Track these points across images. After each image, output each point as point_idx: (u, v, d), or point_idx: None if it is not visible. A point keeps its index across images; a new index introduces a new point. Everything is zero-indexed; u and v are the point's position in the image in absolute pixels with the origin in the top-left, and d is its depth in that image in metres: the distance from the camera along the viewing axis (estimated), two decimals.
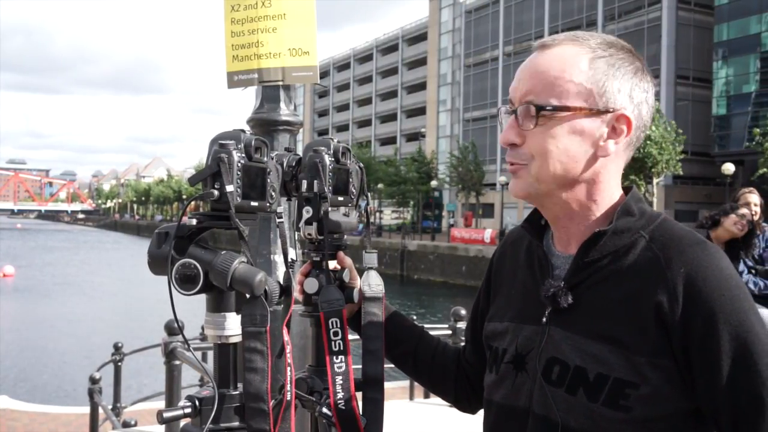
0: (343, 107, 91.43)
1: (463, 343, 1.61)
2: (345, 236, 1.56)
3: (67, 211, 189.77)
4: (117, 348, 6.55)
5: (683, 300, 1.12)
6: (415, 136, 72.69)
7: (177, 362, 4.51)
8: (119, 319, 23.07)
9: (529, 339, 1.27)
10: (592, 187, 1.24)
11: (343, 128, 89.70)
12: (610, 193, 1.26)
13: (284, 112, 2.65)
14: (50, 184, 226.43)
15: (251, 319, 1.28)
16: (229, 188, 1.24)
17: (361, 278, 1.54)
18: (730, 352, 1.10)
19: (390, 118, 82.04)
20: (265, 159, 1.34)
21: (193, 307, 1.72)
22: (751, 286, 4.93)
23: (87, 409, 6.38)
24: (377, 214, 60.83)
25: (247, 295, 1.28)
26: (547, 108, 1.19)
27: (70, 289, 32.45)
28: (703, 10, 45.21)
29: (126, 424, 5.97)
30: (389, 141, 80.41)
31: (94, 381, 6.00)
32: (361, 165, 1.58)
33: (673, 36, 45.05)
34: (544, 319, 1.25)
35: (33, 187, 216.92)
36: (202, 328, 2.61)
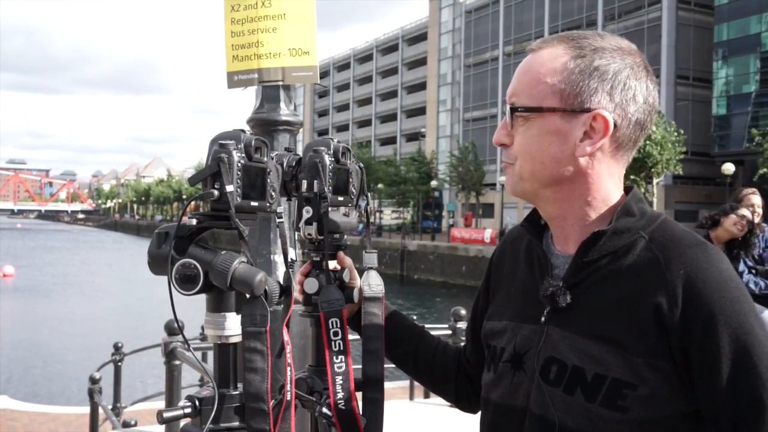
0: (343, 107, 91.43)
1: (463, 343, 1.61)
2: (345, 236, 1.56)
3: (67, 211, 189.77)
4: (117, 348, 6.55)
5: (682, 302, 1.12)
6: (415, 136, 72.69)
7: (177, 362, 4.51)
8: (119, 319, 23.07)
9: (527, 338, 1.27)
10: (581, 187, 1.23)
11: (343, 128, 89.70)
12: (605, 194, 1.25)
13: (284, 112, 2.65)
14: (50, 184, 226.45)
15: (251, 319, 1.28)
16: (229, 188, 1.24)
17: (361, 278, 1.54)
18: (730, 354, 1.10)
19: (390, 118, 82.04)
20: (265, 159, 1.34)
21: (193, 307, 1.72)
22: (752, 286, 4.93)
23: (87, 409, 6.38)
24: (377, 214, 60.84)
25: (247, 295, 1.28)
26: (519, 109, 1.22)
27: (70, 289, 32.46)
28: (703, 10, 45.22)
29: (126, 424, 5.97)
30: (389, 141, 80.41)
31: (94, 381, 6.00)
32: (361, 165, 1.58)
33: (673, 36, 45.06)
34: (543, 319, 1.25)
35: (33, 187, 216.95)
36: (202, 328, 2.62)
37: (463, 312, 6.16)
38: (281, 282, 1.37)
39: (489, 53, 60.76)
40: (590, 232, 1.22)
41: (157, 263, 1.28)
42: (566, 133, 1.21)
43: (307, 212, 1.45)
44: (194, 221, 1.27)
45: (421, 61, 76.07)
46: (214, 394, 1.30)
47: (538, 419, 1.20)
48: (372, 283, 1.52)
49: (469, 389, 1.55)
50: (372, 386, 1.46)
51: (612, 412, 1.13)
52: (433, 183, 53.78)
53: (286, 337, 1.35)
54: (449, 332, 6.06)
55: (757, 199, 5.35)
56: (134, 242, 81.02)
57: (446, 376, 1.57)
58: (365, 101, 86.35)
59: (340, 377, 1.43)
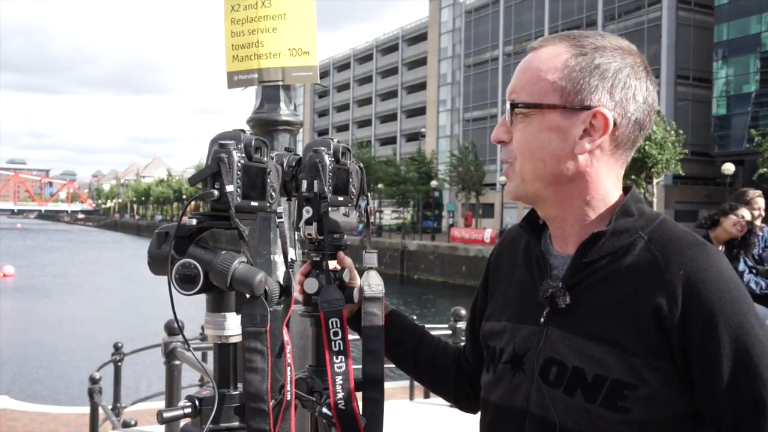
0: (343, 107, 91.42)
1: (463, 343, 1.61)
2: (345, 236, 1.56)
3: (67, 211, 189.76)
4: (117, 348, 6.55)
5: (682, 302, 1.11)
6: (415, 136, 72.68)
7: (177, 362, 4.51)
8: (119, 319, 23.07)
9: (526, 339, 1.27)
10: (581, 185, 1.23)
11: (343, 128, 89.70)
12: (604, 193, 1.25)
13: (284, 112, 2.65)
14: (50, 184, 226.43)
15: (251, 319, 1.28)
16: (229, 188, 1.24)
17: (361, 278, 1.54)
18: (731, 354, 1.10)
19: (390, 118, 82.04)
20: (265, 159, 1.34)
21: (193, 307, 1.72)
22: (753, 285, 4.93)
23: (87, 409, 6.38)
24: (377, 214, 60.82)
25: (247, 295, 1.28)
26: (520, 105, 1.22)
27: (71, 289, 32.46)
28: (703, 10, 45.21)
29: (126, 424, 5.97)
30: (389, 141, 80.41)
31: (94, 381, 6.00)
32: (361, 165, 1.58)
33: (673, 36, 45.05)
34: (542, 320, 1.24)
35: (33, 187, 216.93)
36: (202, 328, 2.62)
37: (463, 312, 6.16)
38: (281, 282, 1.37)
39: (489, 53, 60.75)
40: (589, 232, 1.22)
41: (157, 263, 1.28)
42: (566, 131, 1.21)
43: (307, 212, 1.45)
44: (194, 221, 1.27)
45: (421, 61, 76.06)
46: (214, 394, 1.30)
47: (539, 420, 1.20)
48: (372, 283, 1.52)
49: (468, 389, 1.55)
50: (372, 386, 1.46)
51: (612, 413, 1.13)
52: (433, 183, 53.77)
53: (286, 337, 1.35)
54: (449, 332, 6.06)
55: (762, 202, 5.35)
56: (134, 242, 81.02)
57: (446, 376, 1.57)
58: (365, 101, 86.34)
59: (340, 377, 1.43)
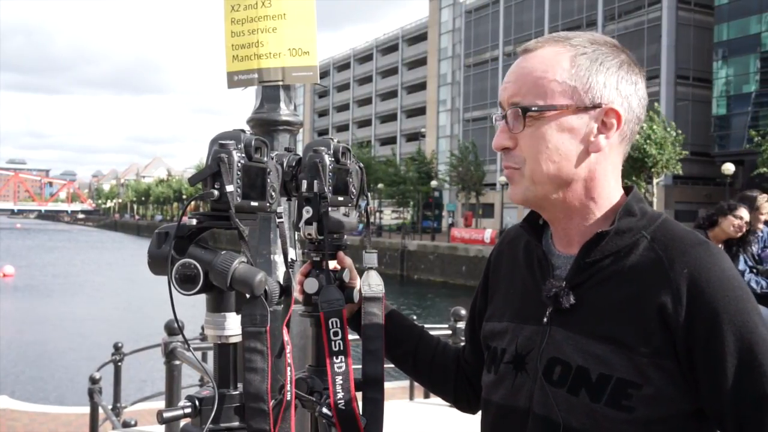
0: (343, 107, 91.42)
1: (462, 343, 1.61)
2: (345, 236, 1.56)
3: (67, 211, 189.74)
4: (117, 348, 6.55)
5: (687, 301, 1.12)
6: (415, 136, 72.70)
7: (177, 362, 4.51)
8: (119, 319, 23.07)
9: (529, 339, 1.27)
10: (589, 184, 1.24)
11: (343, 128, 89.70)
12: (608, 192, 1.25)
13: (284, 112, 2.65)
14: (50, 184, 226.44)
15: (251, 319, 1.28)
16: (229, 188, 1.24)
17: (361, 278, 1.54)
18: (735, 352, 1.10)
19: (390, 118, 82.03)
20: (265, 159, 1.34)
21: (193, 307, 1.72)
22: (753, 285, 4.93)
23: (87, 409, 6.38)
24: (377, 214, 60.81)
25: (247, 295, 1.28)
26: (533, 108, 1.20)
27: (70, 289, 32.46)
28: (703, 10, 45.21)
29: (126, 424, 5.97)
30: (389, 141, 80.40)
31: (94, 381, 6.00)
32: (361, 165, 1.58)
33: (673, 36, 45.05)
34: (545, 320, 1.25)
35: (33, 187, 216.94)
36: (202, 328, 2.62)
37: (463, 312, 6.16)
38: (281, 282, 1.37)
39: (489, 53, 60.76)
40: (593, 232, 1.22)
41: (157, 263, 1.28)
42: (578, 130, 1.21)
43: (307, 212, 1.45)
44: (194, 221, 1.27)
45: (421, 61, 76.05)
46: (214, 394, 1.30)
47: (542, 420, 1.20)
48: (372, 283, 1.52)
49: (468, 390, 1.55)
50: (372, 386, 1.46)
51: (617, 412, 1.13)
52: (433, 183, 53.77)
53: (286, 337, 1.35)
54: (449, 332, 6.06)
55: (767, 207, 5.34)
56: (134, 242, 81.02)
57: (446, 376, 1.57)
58: (365, 101, 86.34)
59: (340, 377, 1.43)
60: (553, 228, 1.31)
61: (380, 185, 55.40)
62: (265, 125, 2.64)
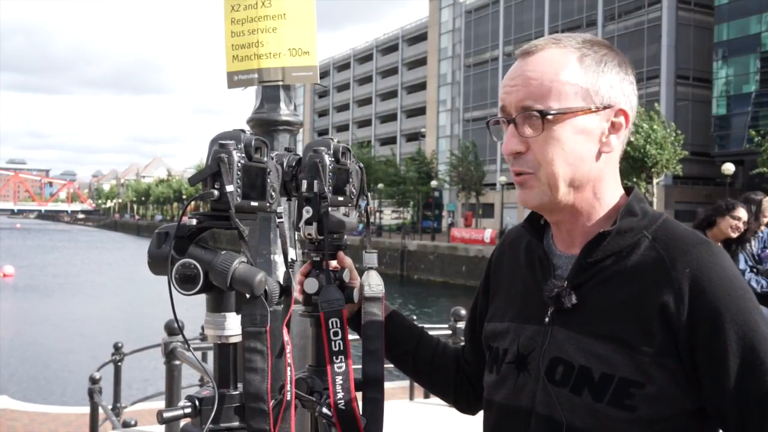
0: (343, 107, 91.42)
1: (462, 343, 1.61)
2: (345, 236, 1.56)
3: (67, 211, 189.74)
4: (117, 348, 6.55)
5: (689, 300, 1.13)
6: (415, 136, 72.72)
7: (177, 362, 4.51)
8: (119, 319, 23.06)
9: (531, 339, 1.27)
10: (596, 185, 1.25)
11: (343, 128, 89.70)
12: (612, 191, 1.27)
13: (284, 112, 2.65)
14: (50, 184, 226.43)
15: (251, 319, 1.28)
16: (229, 188, 1.24)
17: (361, 278, 1.54)
18: (737, 351, 1.11)
19: (390, 118, 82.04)
20: (265, 159, 1.34)
21: (193, 307, 1.72)
22: (754, 284, 4.93)
23: (87, 409, 6.38)
24: (377, 214, 60.81)
25: (247, 295, 1.28)
26: (551, 112, 1.19)
27: (70, 289, 32.46)
28: (703, 10, 45.21)
29: (126, 424, 5.97)
30: (389, 141, 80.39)
31: (94, 381, 6.00)
32: (361, 165, 1.58)
33: (673, 36, 45.04)
34: (547, 319, 1.25)
35: (33, 187, 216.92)
36: (202, 328, 2.61)
37: (463, 312, 6.16)
38: (281, 282, 1.37)
39: (489, 53, 60.76)
40: (595, 232, 1.23)
41: (157, 263, 1.27)
42: (592, 131, 1.22)
43: (307, 212, 1.45)
44: (194, 221, 1.27)
45: (421, 61, 76.06)
46: (214, 394, 1.30)
47: (545, 419, 1.21)
48: (372, 283, 1.52)
49: (468, 390, 1.55)
50: (372, 386, 1.46)
51: (619, 412, 1.14)
52: (433, 183, 53.77)
53: (286, 337, 1.35)
54: (449, 332, 6.06)
55: None
56: (134, 242, 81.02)
57: (445, 376, 1.57)
58: (365, 101, 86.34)
59: (340, 377, 1.43)
60: (557, 229, 1.31)
61: (380, 185, 55.40)
62: (265, 125, 2.64)
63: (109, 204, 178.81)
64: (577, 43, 1.24)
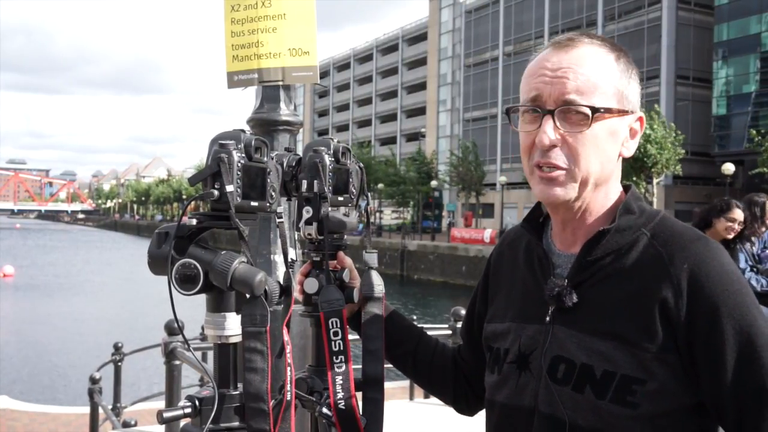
0: (343, 107, 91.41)
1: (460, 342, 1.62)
2: (345, 236, 1.56)
3: (67, 211, 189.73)
4: (117, 348, 6.55)
5: (687, 296, 1.14)
6: (415, 136, 72.73)
7: (177, 362, 4.51)
8: (119, 319, 23.06)
9: (532, 338, 1.27)
10: (607, 186, 1.26)
11: (343, 128, 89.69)
12: (615, 191, 1.29)
13: (284, 112, 2.65)
14: (50, 184, 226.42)
15: (251, 319, 1.28)
16: (229, 188, 1.24)
17: (361, 278, 1.54)
18: (735, 346, 1.12)
19: (390, 118, 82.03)
20: (265, 159, 1.34)
21: (193, 307, 1.72)
22: (753, 283, 4.92)
23: (87, 409, 6.38)
24: (377, 214, 60.81)
25: (247, 295, 1.28)
26: (601, 110, 1.20)
27: (71, 289, 32.45)
28: (703, 10, 45.20)
29: (126, 424, 5.97)
30: (389, 141, 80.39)
31: (94, 381, 6.00)
32: (361, 165, 1.58)
33: (673, 36, 45.04)
34: (548, 318, 1.25)
35: (33, 187, 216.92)
36: (202, 328, 2.61)
37: (463, 312, 6.16)
38: (281, 282, 1.37)
39: (489, 53, 60.74)
40: (594, 230, 1.24)
41: (157, 263, 1.27)
42: (619, 134, 1.24)
43: (307, 212, 1.45)
44: (194, 221, 1.27)
45: (421, 61, 76.05)
46: (214, 394, 1.30)
47: (547, 418, 1.21)
48: (372, 283, 1.53)
49: (467, 389, 1.55)
50: (372, 386, 1.47)
51: (622, 408, 1.15)
52: (433, 183, 53.78)
53: (286, 337, 1.35)
54: (449, 332, 6.06)
55: None
56: (134, 242, 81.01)
57: (444, 376, 1.57)
58: (365, 101, 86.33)
59: (340, 377, 1.43)
60: (561, 228, 1.31)
61: (380, 185, 55.40)
62: (265, 125, 2.64)
63: (109, 204, 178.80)
64: (609, 43, 1.26)
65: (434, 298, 32.68)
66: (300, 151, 1.54)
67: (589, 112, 1.18)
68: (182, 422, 1.32)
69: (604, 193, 1.26)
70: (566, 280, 1.24)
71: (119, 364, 6.51)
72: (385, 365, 1.52)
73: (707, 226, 4.99)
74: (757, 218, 5.15)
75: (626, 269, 1.20)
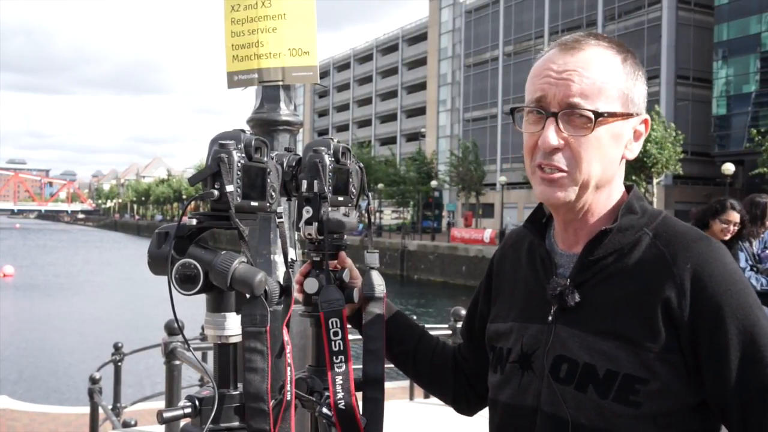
0: (343, 107, 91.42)
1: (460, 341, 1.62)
2: (345, 236, 1.56)
3: (67, 211, 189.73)
4: (117, 348, 6.55)
5: (690, 296, 1.14)
6: (415, 136, 72.74)
7: (177, 362, 4.51)
8: (119, 319, 23.06)
9: (534, 338, 1.28)
10: (608, 188, 1.26)
11: (343, 128, 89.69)
12: (618, 192, 1.29)
13: (284, 112, 2.65)
14: (50, 184, 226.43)
15: (251, 319, 1.28)
16: (229, 188, 1.24)
17: (362, 278, 1.54)
18: (738, 345, 1.12)
19: (390, 118, 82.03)
20: (265, 159, 1.34)
21: (193, 307, 1.72)
22: (754, 282, 4.92)
23: (87, 409, 6.38)
24: (377, 214, 60.81)
25: (247, 295, 1.28)
26: (604, 114, 1.19)
27: (70, 289, 32.45)
28: (703, 10, 45.20)
29: (126, 424, 5.97)
30: (389, 141, 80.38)
31: (94, 381, 6.00)
32: (361, 165, 1.58)
33: (673, 36, 45.04)
34: (550, 318, 1.26)
35: (33, 187, 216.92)
36: (202, 328, 2.61)
37: (463, 312, 6.16)
38: (281, 282, 1.37)
39: (489, 53, 60.73)
40: (597, 230, 1.24)
41: (157, 263, 1.27)
42: (622, 137, 1.24)
43: (307, 212, 1.45)
44: (194, 221, 1.27)
45: (421, 61, 76.05)
46: (214, 394, 1.29)
47: (550, 417, 1.21)
48: (374, 283, 1.52)
49: (467, 388, 1.55)
50: (372, 386, 1.47)
51: (625, 408, 1.15)
52: (433, 183, 53.78)
53: (286, 337, 1.35)
54: (449, 332, 6.06)
55: None
56: (134, 242, 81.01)
57: (445, 375, 1.57)
58: (365, 101, 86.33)
59: (340, 377, 1.43)
60: (563, 228, 1.31)
61: (380, 185, 55.40)
62: (265, 125, 2.64)
63: (109, 204, 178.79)
64: (614, 45, 1.25)
65: (434, 298, 32.69)
66: (300, 151, 1.54)
67: (592, 116, 1.18)
68: (182, 422, 1.32)
69: (606, 194, 1.26)
70: (568, 280, 1.24)
71: (119, 364, 6.51)
72: (386, 365, 1.52)
73: (704, 227, 4.99)
74: (757, 219, 5.14)
75: (628, 269, 1.20)
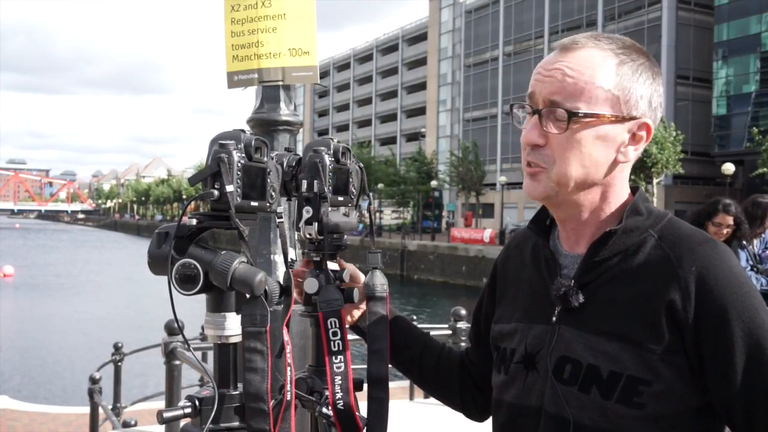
0: (343, 107, 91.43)
1: (464, 344, 1.61)
2: (345, 236, 1.56)
3: (67, 211, 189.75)
4: (117, 348, 6.55)
5: (696, 298, 1.14)
6: (415, 136, 72.75)
7: (177, 362, 4.51)
8: (119, 319, 23.06)
9: (538, 338, 1.28)
10: (607, 189, 1.25)
11: (343, 128, 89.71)
12: (621, 194, 1.28)
13: (284, 112, 2.65)
14: (50, 184, 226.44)
15: (251, 319, 1.28)
16: (229, 188, 1.24)
17: (365, 278, 1.54)
18: (744, 348, 1.12)
19: (390, 118, 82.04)
20: (265, 159, 1.34)
21: (193, 307, 1.72)
22: (754, 282, 4.92)
23: (87, 409, 6.38)
24: (377, 214, 60.81)
25: (247, 295, 1.27)
26: (579, 114, 1.19)
27: (70, 289, 32.45)
28: (703, 10, 45.22)
29: (126, 424, 5.97)
30: (389, 141, 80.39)
31: (94, 381, 6.00)
32: (361, 165, 1.58)
33: (673, 36, 45.06)
34: (554, 318, 1.26)
35: (33, 187, 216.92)
36: (202, 328, 2.61)
37: (463, 312, 6.16)
38: (281, 282, 1.37)
39: (489, 53, 60.75)
40: (601, 231, 1.24)
41: (157, 263, 1.27)
42: (613, 139, 1.22)
43: (307, 212, 1.45)
44: (194, 221, 1.27)
45: (421, 61, 76.07)
46: (214, 394, 1.29)
47: (553, 418, 1.21)
48: (376, 283, 1.52)
49: (474, 392, 1.54)
50: (377, 385, 1.46)
51: (628, 409, 1.15)
52: (433, 183, 53.79)
53: (286, 337, 1.35)
54: (449, 332, 6.06)
55: None
56: (134, 242, 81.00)
57: (450, 379, 1.56)
58: (365, 101, 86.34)
59: (339, 377, 1.43)
60: (562, 227, 1.32)
61: (380, 185, 55.41)
62: (265, 125, 2.63)
63: (109, 204, 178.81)
64: (617, 47, 1.24)
65: (434, 298, 32.69)
66: (300, 151, 1.54)
67: (566, 115, 1.19)
68: (182, 422, 1.32)
69: (599, 196, 1.25)
70: (573, 281, 1.24)
71: (119, 364, 6.51)
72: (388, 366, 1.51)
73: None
74: (757, 219, 5.14)
75: (633, 270, 1.20)
